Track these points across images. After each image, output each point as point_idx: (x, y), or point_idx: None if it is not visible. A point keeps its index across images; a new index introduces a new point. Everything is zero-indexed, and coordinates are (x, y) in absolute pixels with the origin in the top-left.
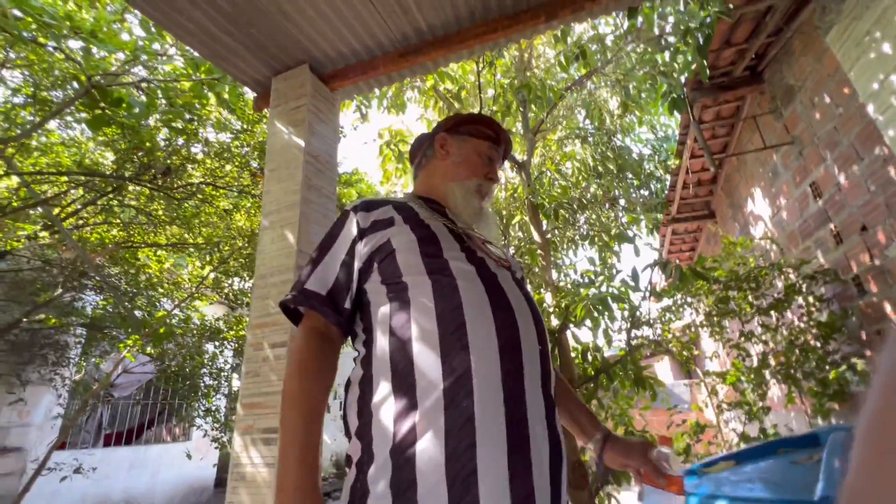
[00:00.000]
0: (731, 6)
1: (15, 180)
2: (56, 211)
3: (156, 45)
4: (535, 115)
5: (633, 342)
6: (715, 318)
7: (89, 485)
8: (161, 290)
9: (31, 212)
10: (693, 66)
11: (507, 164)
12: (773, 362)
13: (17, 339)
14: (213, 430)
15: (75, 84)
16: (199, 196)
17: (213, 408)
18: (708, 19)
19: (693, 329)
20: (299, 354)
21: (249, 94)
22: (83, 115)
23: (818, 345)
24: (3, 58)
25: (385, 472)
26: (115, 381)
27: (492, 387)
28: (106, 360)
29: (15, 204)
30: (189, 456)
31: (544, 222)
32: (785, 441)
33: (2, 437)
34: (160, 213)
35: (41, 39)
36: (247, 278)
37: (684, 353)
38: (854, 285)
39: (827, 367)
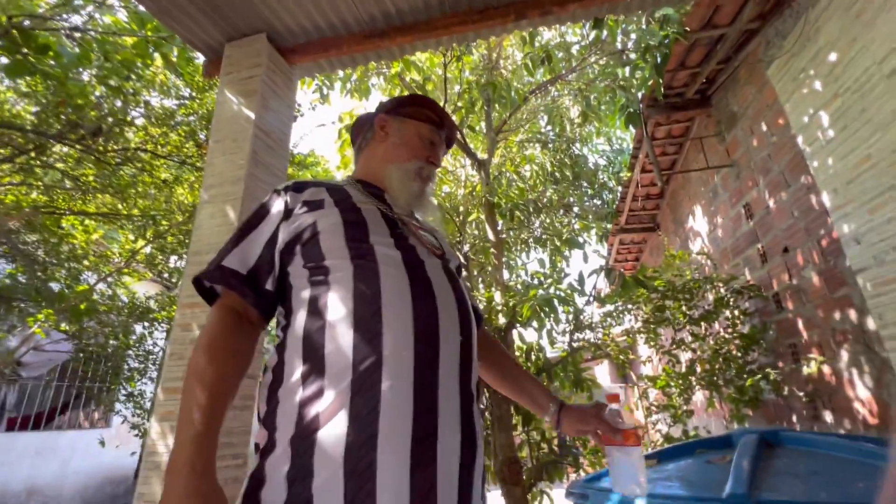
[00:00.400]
0: (687, 29)
1: None
2: None
3: None
4: (498, 115)
5: (575, 344)
6: (651, 326)
7: None
8: (86, 263)
9: None
10: (650, 83)
11: (467, 161)
12: (699, 369)
13: None
14: (134, 416)
15: None
16: (137, 163)
17: (137, 392)
18: (666, 40)
19: (631, 335)
20: (211, 332)
21: (200, 60)
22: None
23: (739, 354)
24: None
25: (284, 461)
26: (22, 359)
27: (402, 376)
28: (12, 336)
29: None
30: (103, 443)
31: (500, 222)
32: (702, 442)
33: None
34: (90, 178)
35: None
36: (185, 256)
37: (621, 357)
38: (774, 302)
39: (745, 376)
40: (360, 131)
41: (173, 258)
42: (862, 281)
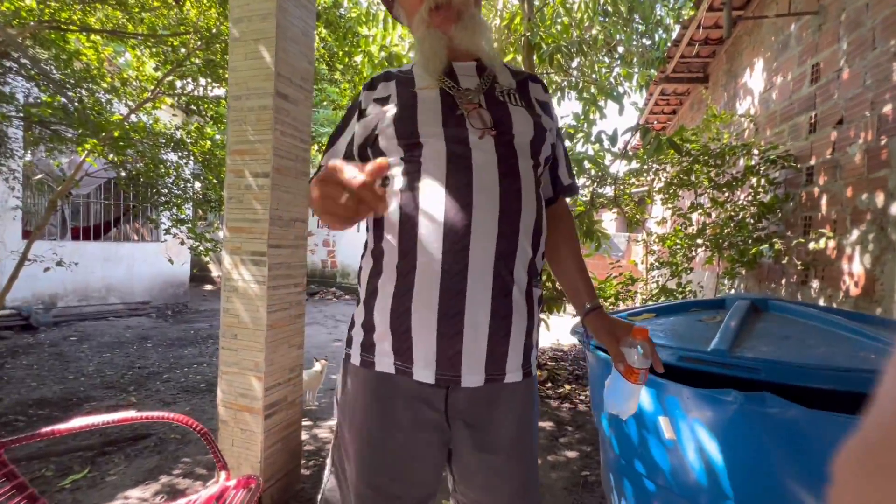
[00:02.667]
0: None
1: None
2: None
3: None
4: None
5: (597, 200)
6: (673, 187)
7: (67, 274)
8: (104, 85)
9: None
10: None
11: None
12: (709, 233)
13: None
14: (187, 238)
15: None
16: None
17: (186, 217)
18: None
19: (650, 194)
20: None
21: None
22: None
23: (751, 222)
24: None
25: (360, 312)
26: (77, 180)
27: (431, 269)
28: (59, 157)
29: None
30: (171, 261)
31: (537, 66)
32: (697, 302)
33: None
34: None
35: None
36: (206, 84)
37: (637, 216)
38: (805, 174)
39: (750, 242)
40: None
41: (190, 83)
42: None
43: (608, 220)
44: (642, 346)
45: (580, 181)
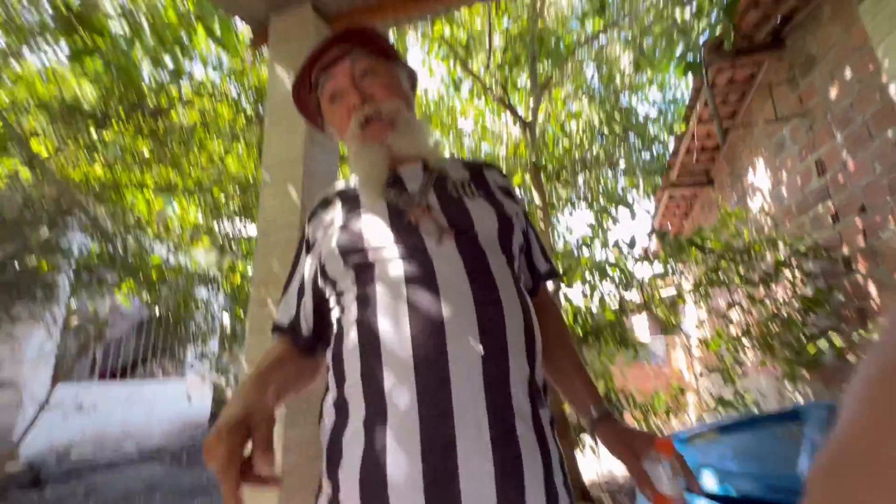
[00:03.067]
0: None
1: None
2: (35, 146)
3: None
4: (544, 71)
5: (624, 306)
6: (704, 287)
7: (86, 419)
8: (150, 232)
9: (10, 147)
10: (718, 29)
11: (509, 118)
12: (755, 332)
13: (3, 278)
14: (209, 373)
15: (50, 12)
16: (190, 138)
17: (211, 352)
18: None
19: (680, 295)
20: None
21: (243, 30)
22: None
23: (799, 318)
24: None
25: (325, 484)
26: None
27: (406, 420)
28: (100, 304)
29: None
30: (189, 398)
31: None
32: (768, 416)
33: None
34: (147, 152)
35: None
36: (240, 225)
37: (672, 319)
38: (843, 263)
39: (804, 339)
40: None
41: (226, 222)
42: None
43: (640, 322)
44: (670, 463)
45: (605, 287)
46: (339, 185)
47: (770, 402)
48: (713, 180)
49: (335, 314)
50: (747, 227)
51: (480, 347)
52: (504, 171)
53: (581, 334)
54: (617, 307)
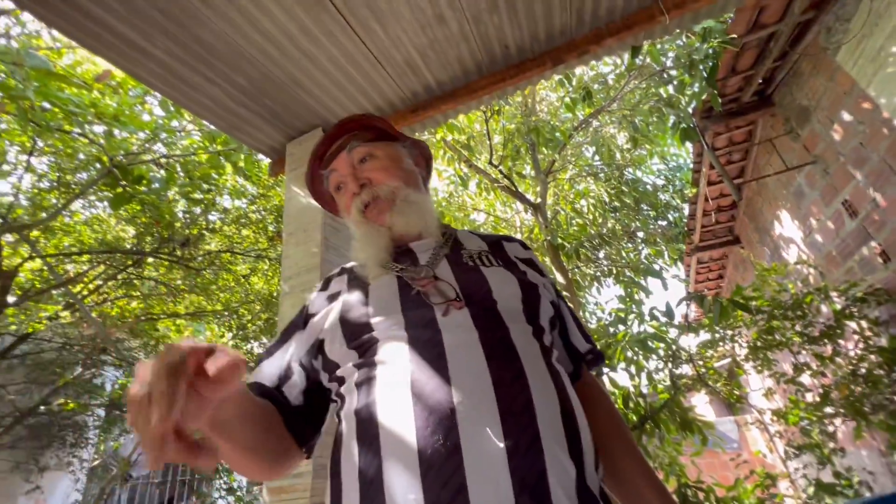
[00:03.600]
0: (733, 36)
1: (38, 262)
2: (77, 289)
3: (174, 123)
4: (545, 157)
5: (676, 382)
6: (761, 351)
7: None
8: None
9: (55, 293)
10: (703, 97)
11: (519, 205)
12: (836, 395)
13: (36, 422)
14: None
15: (98, 165)
16: (217, 263)
17: (236, 486)
18: (711, 50)
19: (737, 363)
20: None
21: (264, 160)
22: (105, 194)
23: (882, 372)
24: (32, 146)
25: None
26: (134, 461)
27: None
28: (124, 440)
29: (38, 286)
30: None
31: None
32: (882, 500)
33: None
34: (179, 283)
35: (66, 127)
36: (266, 343)
37: (735, 392)
38: None
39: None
40: None
41: (255, 343)
42: None
43: (701, 404)
44: None
45: (651, 364)
46: (347, 265)
47: (883, 482)
48: (739, 238)
49: (334, 408)
50: (790, 281)
51: (503, 438)
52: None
53: (635, 420)
54: (669, 384)
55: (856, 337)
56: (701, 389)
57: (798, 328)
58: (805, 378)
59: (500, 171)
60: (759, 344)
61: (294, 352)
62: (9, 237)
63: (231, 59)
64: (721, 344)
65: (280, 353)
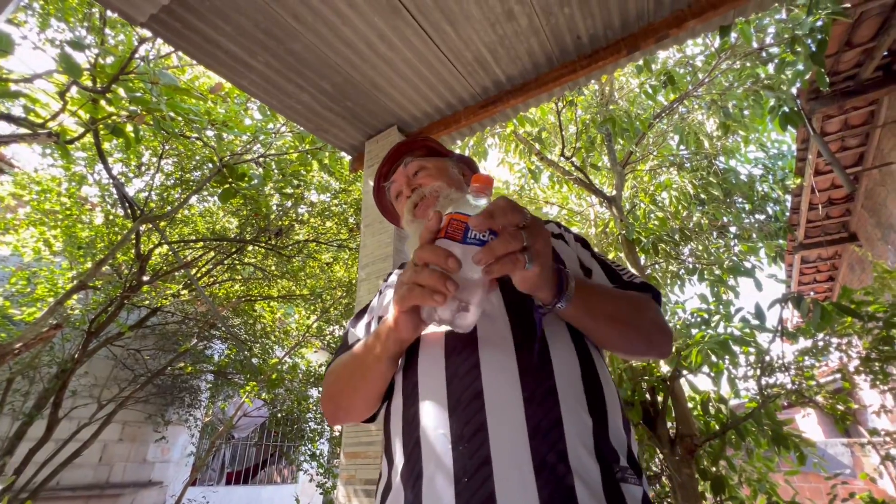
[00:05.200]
0: (847, 5)
1: (165, 248)
2: (193, 271)
3: (270, 126)
4: (622, 148)
5: (766, 392)
6: (876, 364)
7: None
8: (273, 339)
9: (176, 274)
10: (808, 76)
11: (594, 199)
12: None
13: (162, 383)
14: (317, 475)
15: (210, 165)
16: (305, 252)
17: (318, 452)
18: (819, 23)
19: (846, 376)
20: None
21: (346, 157)
22: (216, 189)
23: None
24: (162, 150)
25: None
26: (236, 423)
27: (438, 486)
28: (229, 404)
29: (165, 268)
30: (297, 501)
31: (642, 257)
32: None
33: (148, 471)
34: (273, 268)
35: (187, 133)
36: (345, 326)
37: (838, 406)
38: None
39: None
40: None
41: (336, 327)
42: None
43: (811, 426)
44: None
45: (739, 371)
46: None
47: None
48: (856, 235)
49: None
50: None
51: (520, 389)
52: (597, 251)
53: (715, 427)
54: (757, 393)
55: None
56: (797, 402)
57: None
58: None
59: (573, 163)
60: (873, 355)
61: (373, 320)
62: (143, 227)
63: (318, 67)
64: (825, 354)
65: (362, 324)
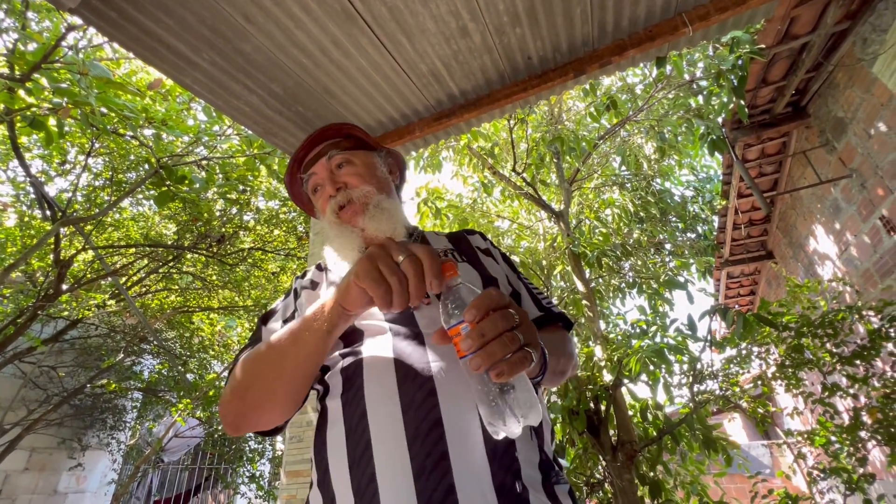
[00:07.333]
0: (762, 46)
1: (90, 254)
2: (123, 280)
3: (215, 128)
4: (569, 165)
5: (698, 398)
6: (789, 370)
7: None
8: (212, 353)
9: (102, 282)
10: (730, 107)
11: (543, 214)
12: (868, 420)
13: (81, 403)
14: (256, 497)
15: (146, 166)
16: (250, 260)
17: (258, 473)
18: (740, 61)
19: (765, 382)
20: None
21: None
22: (152, 192)
23: None
24: (90, 147)
25: None
26: (165, 446)
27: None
28: (158, 424)
29: (89, 276)
30: None
31: (587, 271)
32: None
33: (60, 503)
34: (214, 278)
35: (121, 130)
36: None
37: (759, 409)
38: None
39: None
40: None
41: None
42: None
43: (736, 430)
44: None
45: (674, 379)
46: (322, 263)
47: None
48: (772, 253)
49: (315, 395)
50: (823, 299)
51: (477, 414)
52: (544, 264)
53: (653, 434)
54: (689, 399)
55: (893, 359)
56: (725, 407)
57: (829, 347)
58: (837, 399)
59: (524, 179)
60: (787, 362)
61: (287, 321)
62: (65, 230)
63: (268, 70)
64: (748, 362)
65: (278, 322)
